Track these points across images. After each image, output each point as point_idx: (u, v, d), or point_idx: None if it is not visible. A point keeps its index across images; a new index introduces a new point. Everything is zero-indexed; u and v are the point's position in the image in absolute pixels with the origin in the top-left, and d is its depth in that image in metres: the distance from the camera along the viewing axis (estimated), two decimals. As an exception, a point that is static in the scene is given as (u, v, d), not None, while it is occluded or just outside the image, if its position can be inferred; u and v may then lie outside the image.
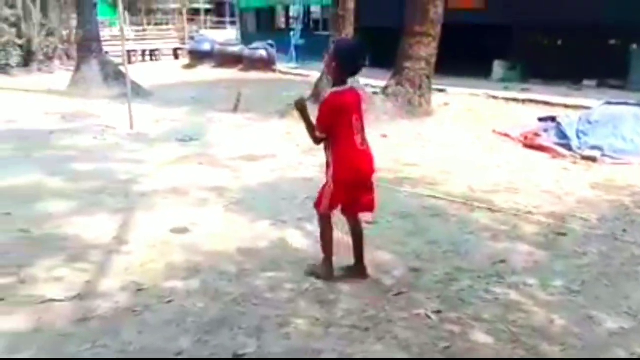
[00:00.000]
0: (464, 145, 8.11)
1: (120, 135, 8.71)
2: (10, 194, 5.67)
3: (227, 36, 26.71)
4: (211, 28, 36.67)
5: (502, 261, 4.17)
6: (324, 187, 3.70)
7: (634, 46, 12.81)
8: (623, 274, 3.99)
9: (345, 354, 2.99)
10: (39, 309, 3.41)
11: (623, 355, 3.04)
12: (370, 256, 4.18)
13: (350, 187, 3.63)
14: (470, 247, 4.45)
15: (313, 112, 3.59)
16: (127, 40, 16.74)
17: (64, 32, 19.77)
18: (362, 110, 3.65)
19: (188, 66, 19.77)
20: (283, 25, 26.19)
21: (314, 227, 4.57)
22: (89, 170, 6.62)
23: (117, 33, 19.81)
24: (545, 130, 8.28)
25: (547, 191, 5.95)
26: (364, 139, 3.62)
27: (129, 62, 12.88)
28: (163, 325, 3.25)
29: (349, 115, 3.52)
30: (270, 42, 18.56)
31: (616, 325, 3.30)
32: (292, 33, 20.83)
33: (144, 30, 25.63)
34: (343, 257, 3.90)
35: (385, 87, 10.63)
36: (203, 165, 6.89)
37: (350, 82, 3.61)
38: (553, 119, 8.67)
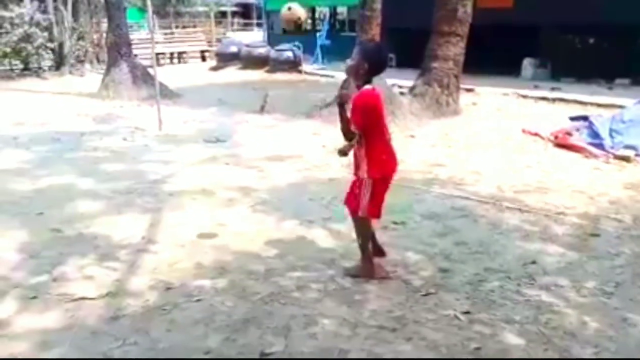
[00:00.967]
0: (493, 145, 8.00)
1: (149, 136, 8.82)
2: (43, 194, 5.79)
3: (253, 38, 26.82)
4: (238, 30, 36.88)
5: (533, 262, 4.10)
6: (355, 186, 3.73)
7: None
8: (659, 276, 3.89)
9: (373, 353, 2.97)
10: (71, 307, 3.47)
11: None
12: (399, 256, 4.17)
13: (382, 184, 3.68)
14: (500, 247, 4.38)
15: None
16: (156, 43, 16.93)
17: (95, 36, 20.10)
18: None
19: (215, 68, 19.92)
20: (309, 27, 26.23)
21: (341, 227, 4.58)
22: (118, 170, 6.72)
23: (145, 36, 20.10)
24: (577, 130, 8.11)
25: (579, 191, 5.83)
26: (390, 137, 3.79)
27: (158, 65, 13.03)
28: (191, 323, 3.28)
29: (382, 113, 3.68)
30: (296, 43, 18.59)
31: (652, 328, 3.22)
32: (318, 34, 20.85)
33: (172, 33, 25.90)
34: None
35: (413, 87, 10.56)
36: (230, 166, 6.94)
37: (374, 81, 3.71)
38: (585, 118, 8.50)
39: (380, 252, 4.03)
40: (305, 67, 18.37)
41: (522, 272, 3.94)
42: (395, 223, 4.84)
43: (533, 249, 4.37)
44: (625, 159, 7.04)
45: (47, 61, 18.35)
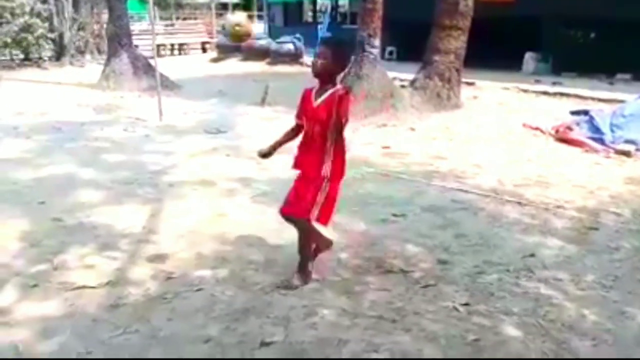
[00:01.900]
0: (493, 138, 8.00)
1: (149, 127, 8.82)
2: (44, 183, 5.80)
3: (254, 30, 26.77)
4: (239, 22, 36.77)
5: (532, 255, 4.12)
6: (311, 188, 3.46)
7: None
8: (657, 270, 3.90)
9: (372, 344, 2.99)
10: (71, 295, 3.49)
11: (657, 351, 2.98)
12: (399, 248, 4.18)
13: (336, 188, 3.52)
14: (500, 240, 4.40)
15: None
16: (157, 34, 16.89)
17: (95, 27, 20.02)
18: None
19: (216, 60, 19.88)
20: (310, 19, 26.15)
21: (340, 218, 4.58)
22: (119, 161, 6.73)
23: (146, 27, 20.03)
24: (578, 124, 8.11)
25: (579, 185, 5.84)
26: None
27: (158, 56, 12.99)
28: (192, 312, 3.29)
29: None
30: (297, 35, 18.53)
31: (650, 321, 3.23)
32: (319, 26, 20.78)
33: (173, 24, 25.82)
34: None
35: (414, 81, 10.55)
36: (231, 157, 6.94)
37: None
38: (586, 112, 8.51)
39: (317, 249, 3.78)
40: (306, 59, 18.32)
41: (521, 264, 3.96)
42: (395, 215, 4.85)
43: (532, 242, 4.38)
44: (626, 153, 7.05)
45: (48, 51, 18.30)
